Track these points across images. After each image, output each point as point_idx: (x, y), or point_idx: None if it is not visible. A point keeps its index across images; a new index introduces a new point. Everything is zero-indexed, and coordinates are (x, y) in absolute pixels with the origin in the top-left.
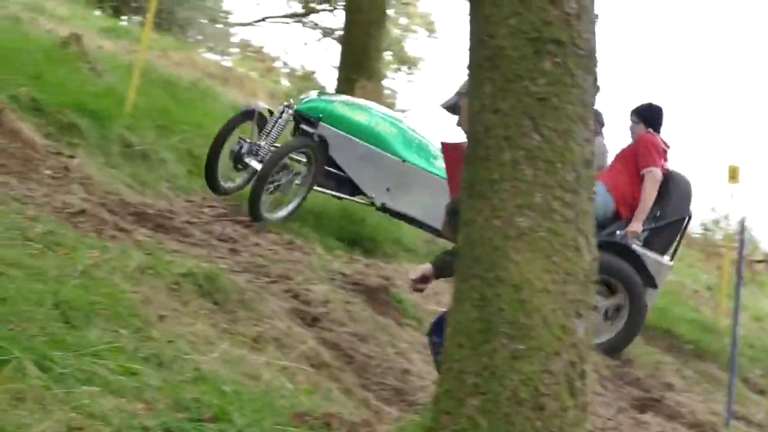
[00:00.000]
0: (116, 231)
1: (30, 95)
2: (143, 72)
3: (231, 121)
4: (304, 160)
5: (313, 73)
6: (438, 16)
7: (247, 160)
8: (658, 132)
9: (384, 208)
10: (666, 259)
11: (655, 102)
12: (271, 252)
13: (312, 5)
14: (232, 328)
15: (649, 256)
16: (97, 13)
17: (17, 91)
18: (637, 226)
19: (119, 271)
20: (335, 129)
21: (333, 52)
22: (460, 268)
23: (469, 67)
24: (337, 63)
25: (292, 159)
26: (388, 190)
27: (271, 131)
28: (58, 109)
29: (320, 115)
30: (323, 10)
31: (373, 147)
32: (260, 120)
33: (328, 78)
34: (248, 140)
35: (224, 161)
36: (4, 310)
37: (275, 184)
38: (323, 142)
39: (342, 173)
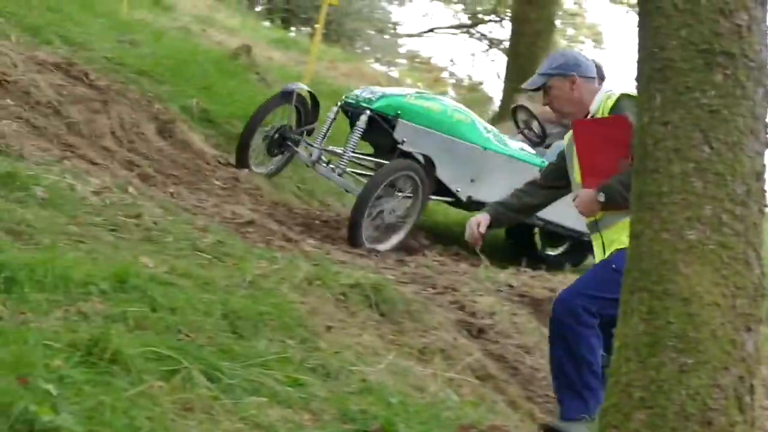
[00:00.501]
0: (284, 241)
1: (200, 106)
2: (312, 83)
3: (267, 103)
4: (409, 185)
5: (480, 83)
6: (606, 26)
7: (319, 170)
8: None
9: (470, 202)
10: None
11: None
12: (437, 263)
13: (479, 16)
14: (398, 339)
15: None
16: (267, 24)
17: (188, 103)
18: None
19: (287, 281)
20: (414, 124)
21: (500, 62)
22: (628, 281)
23: (638, 79)
24: (504, 74)
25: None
26: (472, 181)
27: (327, 131)
28: (227, 119)
29: (398, 112)
30: (490, 21)
31: (454, 137)
32: (299, 103)
33: (495, 88)
34: (309, 143)
35: (257, 143)
36: (174, 320)
37: (377, 210)
38: (428, 161)
39: None
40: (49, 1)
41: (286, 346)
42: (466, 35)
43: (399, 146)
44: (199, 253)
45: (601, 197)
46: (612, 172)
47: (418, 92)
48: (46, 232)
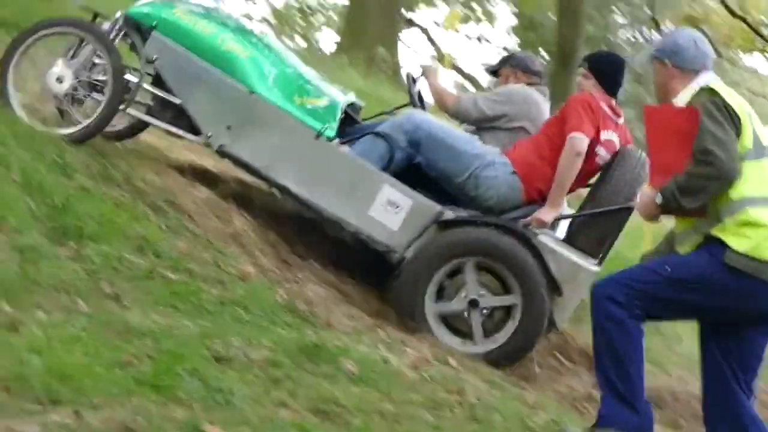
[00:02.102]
0: None
1: None
2: None
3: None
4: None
5: None
6: None
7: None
8: (614, 95)
9: (223, 152)
10: (590, 262)
11: (616, 54)
12: None
13: None
14: None
15: (559, 253)
16: None
17: None
18: (547, 213)
19: None
20: (170, 40)
21: None
22: None
23: None
24: None
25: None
26: (228, 128)
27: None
28: None
29: (154, 23)
30: None
31: (216, 69)
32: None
33: None
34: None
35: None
36: None
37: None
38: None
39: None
40: None
41: None
42: None
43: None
44: None
45: (659, 199)
46: (679, 171)
47: (197, 9)
48: (357, 411)
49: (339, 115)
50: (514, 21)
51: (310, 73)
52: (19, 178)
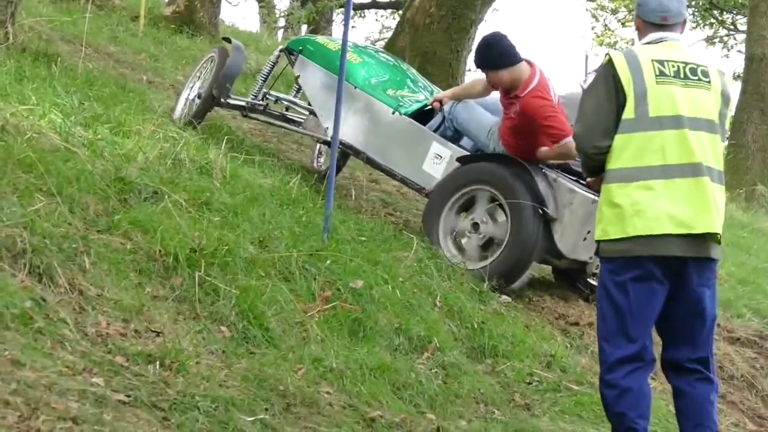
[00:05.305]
0: None
1: None
2: None
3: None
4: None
5: None
6: None
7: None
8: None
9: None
10: (588, 192)
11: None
12: None
13: None
14: None
15: (558, 181)
16: None
17: None
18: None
19: None
20: (309, 60)
21: None
22: None
23: None
24: None
25: None
26: None
27: (267, 77)
28: None
29: (300, 48)
30: None
31: (334, 75)
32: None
33: None
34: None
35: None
36: None
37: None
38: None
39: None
40: (739, 273)
41: None
42: None
43: (297, 79)
44: None
45: None
46: None
47: (334, 38)
48: None
49: (421, 105)
50: None
51: (418, 81)
52: (441, 304)
